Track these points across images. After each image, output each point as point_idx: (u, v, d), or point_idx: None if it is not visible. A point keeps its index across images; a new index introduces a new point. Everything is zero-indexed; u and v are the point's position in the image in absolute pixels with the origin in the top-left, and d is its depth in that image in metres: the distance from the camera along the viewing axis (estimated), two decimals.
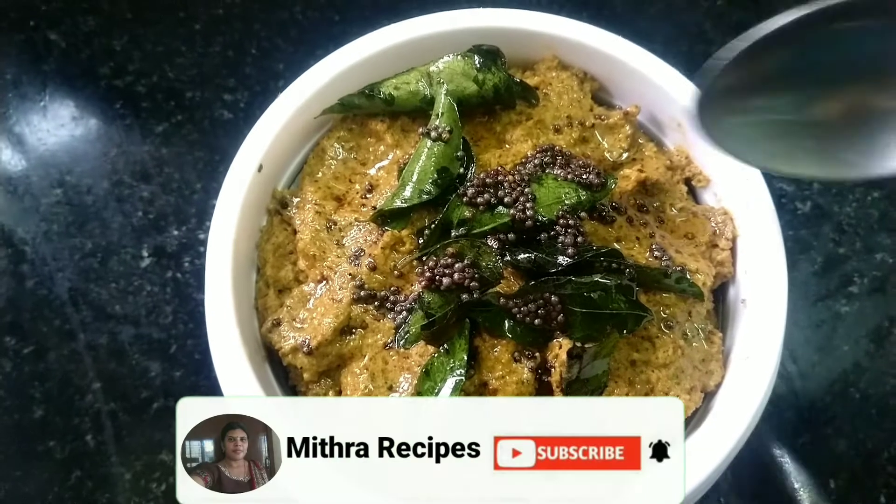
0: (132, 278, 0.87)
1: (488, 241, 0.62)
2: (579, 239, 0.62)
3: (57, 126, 0.94)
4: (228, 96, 0.95)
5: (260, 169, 0.68)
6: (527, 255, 0.61)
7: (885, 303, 0.85)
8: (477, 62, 0.69)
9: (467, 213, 0.63)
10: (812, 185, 0.90)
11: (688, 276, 0.65)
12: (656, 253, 0.66)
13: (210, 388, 0.81)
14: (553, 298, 0.60)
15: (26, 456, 0.80)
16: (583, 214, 0.64)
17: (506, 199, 0.63)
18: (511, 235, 0.62)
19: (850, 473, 0.79)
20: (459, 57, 0.70)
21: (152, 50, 0.98)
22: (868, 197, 0.90)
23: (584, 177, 0.65)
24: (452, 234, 0.63)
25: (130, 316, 0.85)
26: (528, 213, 0.62)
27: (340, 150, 0.72)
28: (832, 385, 0.82)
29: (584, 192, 0.65)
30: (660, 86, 0.71)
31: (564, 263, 0.60)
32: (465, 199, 0.63)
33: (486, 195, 0.63)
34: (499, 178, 0.64)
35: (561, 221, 0.63)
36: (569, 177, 0.65)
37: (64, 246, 0.88)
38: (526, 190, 0.63)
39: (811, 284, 0.87)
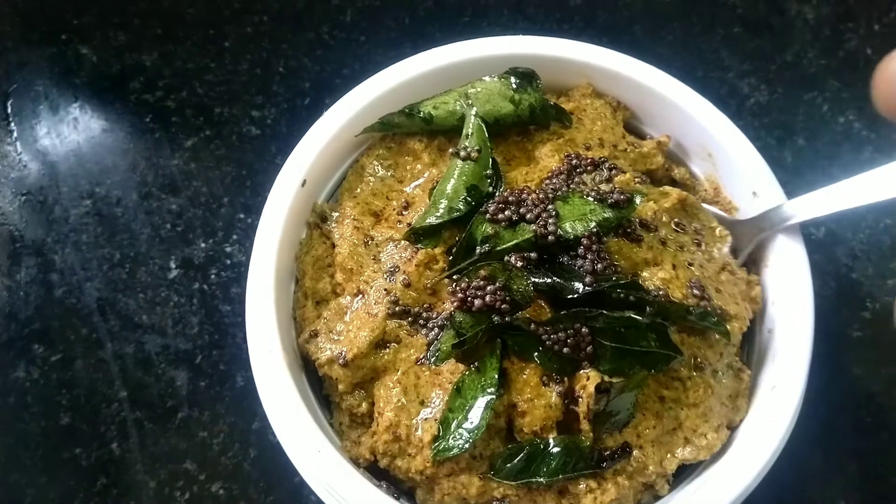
0: (159, 289, 0.88)
1: (512, 259, 0.62)
2: (599, 266, 0.62)
3: (87, 138, 0.96)
4: (256, 113, 0.97)
5: (303, 184, 0.69)
6: (544, 279, 0.62)
7: None
8: (513, 83, 0.71)
9: (490, 230, 0.64)
10: None
11: (714, 316, 0.65)
12: (695, 291, 0.66)
13: (234, 398, 0.83)
14: (584, 329, 0.61)
15: (52, 462, 0.81)
16: (605, 240, 0.65)
17: (528, 216, 0.64)
18: (534, 254, 0.63)
19: (860, 496, 0.80)
20: (496, 78, 0.72)
21: (182, 66, 0.99)
22: (880, 224, 0.91)
23: (610, 195, 0.65)
24: (477, 251, 0.64)
25: (157, 326, 0.86)
26: (550, 227, 0.63)
27: (379, 167, 0.74)
28: (844, 409, 0.83)
29: (609, 210, 0.65)
30: (691, 115, 0.73)
31: (580, 291, 0.60)
32: (487, 217, 0.64)
33: (507, 212, 0.64)
34: (522, 195, 0.65)
35: (584, 242, 0.63)
36: (592, 195, 0.65)
37: (93, 256, 0.90)
38: (549, 207, 0.64)
39: (825, 309, 0.88)
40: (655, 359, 0.61)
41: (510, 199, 0.65)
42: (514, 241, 0.63)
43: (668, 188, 0.71)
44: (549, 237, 0.63)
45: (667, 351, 0.61)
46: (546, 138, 0.73)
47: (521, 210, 0.64)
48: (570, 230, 0.63)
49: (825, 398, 0.83)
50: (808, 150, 0.96)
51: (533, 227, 0.63)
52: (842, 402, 0.84)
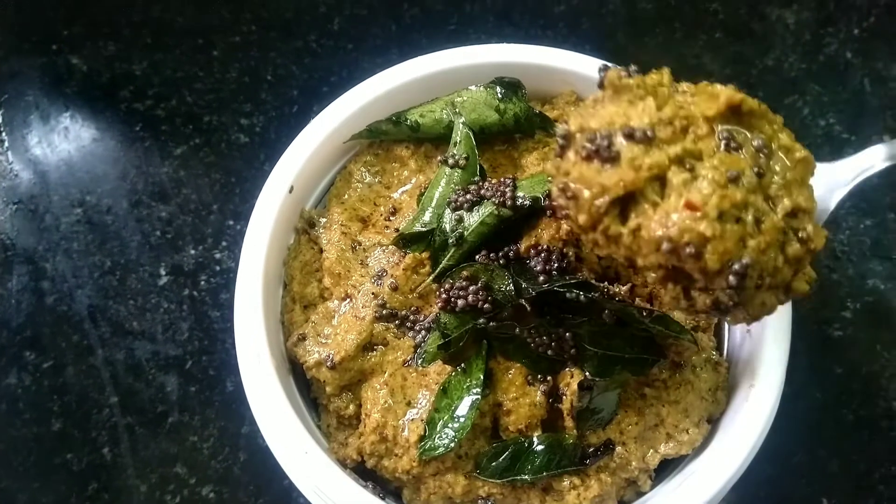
0: (150, 296, 0.89)
1: (479, 257, 0.63)
2: (554, 265, 0.62)
3: (78, 147, 0.97)
4: (244, 121, 0.98)
5: (291, 190, 0.70)
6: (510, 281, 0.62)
7: (877, 328, 0.88)
8: (499, 93, 0.72)
9: (455, 218, 0.65)
10: None
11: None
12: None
13: (223, 402, 0.84)
14: (566, 334, 0.62)
15: (44, 468, 0.82)
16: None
17: (486, 194, 0.64)
18: (495, 254, 0.63)
19: (842, 493, 0.81)
20: (482, 87, 0.73)
21: (171, 75, 1.00)
22: (861, 225, 0.93)
23: None
24: (449, 242, 0.65)
25: (147, 332, 0.87)
26: (508, 193, 0.63)
27: (366, 173, 0.74)
28: (825, 406, 0.84)
29: None
30: None
31: (533, 293, 0.61)
32: (452, 206, 0.65)
33: (468, 195, 0.64)
34: (485, 183, 0.66)
35: (546, 203, 0.61)
36: None
37: (83, 264, 0.90)
38: (508, 181, 0.65)
39: (806, 309, 0.89)
40: (640, 364, 0.63)
41: (472, 188, 0.65)
42: (478, 221, 0.64)
43: (717, 87, 0.52)
44: (507, 202, 0.63)
45: (651, 356, 0.62)
46: (532, 147, 0.74)
47: (481, 192, 0.65)
48: (526, 194, 0.63)
49: (807, 396, 0.84)
50: None
51: (492, 201, 0.63)
52: (823, 401, 0.85)
